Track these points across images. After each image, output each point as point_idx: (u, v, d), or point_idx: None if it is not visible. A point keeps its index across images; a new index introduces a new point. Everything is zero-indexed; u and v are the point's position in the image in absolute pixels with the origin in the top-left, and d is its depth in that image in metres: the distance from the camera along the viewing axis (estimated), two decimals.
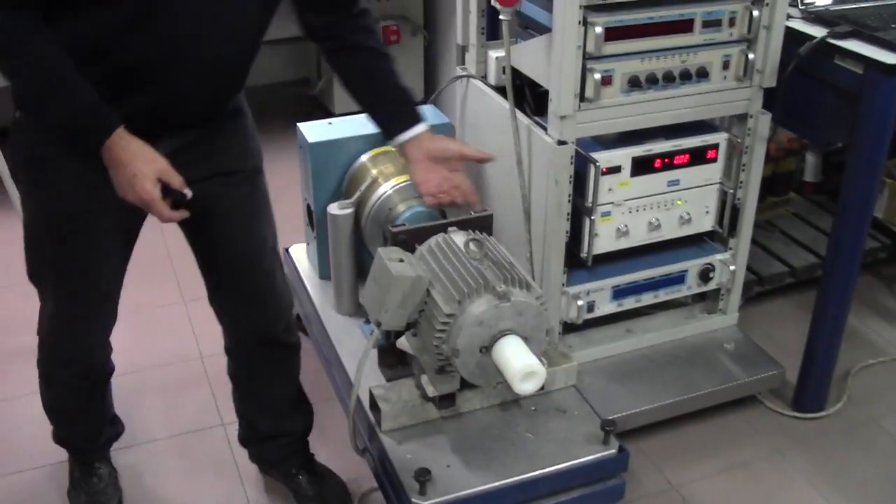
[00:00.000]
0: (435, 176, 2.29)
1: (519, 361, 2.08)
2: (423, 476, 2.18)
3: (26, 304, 3.44)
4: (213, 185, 2.16)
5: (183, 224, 2.18)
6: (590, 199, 2.66)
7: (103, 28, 1.85)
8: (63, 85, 1.85)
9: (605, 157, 2.65)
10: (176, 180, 1.95)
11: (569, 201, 2.64)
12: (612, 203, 2.72)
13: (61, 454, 2.83)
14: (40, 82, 1.87)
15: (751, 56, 2.65)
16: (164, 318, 3.31)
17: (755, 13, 2.60)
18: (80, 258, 2.15)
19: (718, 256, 2.95)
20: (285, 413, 2.64)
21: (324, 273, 3.04)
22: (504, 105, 2.73)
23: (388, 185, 2.68)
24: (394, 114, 2.29)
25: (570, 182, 2.62)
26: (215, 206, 2.21)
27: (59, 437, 2.66)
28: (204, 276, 2.40)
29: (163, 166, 1.93)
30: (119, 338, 2.79)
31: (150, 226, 2.76)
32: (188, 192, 1.97)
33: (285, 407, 2.64)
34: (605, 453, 2.31)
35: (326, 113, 4.68)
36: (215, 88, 2.09)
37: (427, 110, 2.96)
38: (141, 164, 1.89)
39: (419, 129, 2.27)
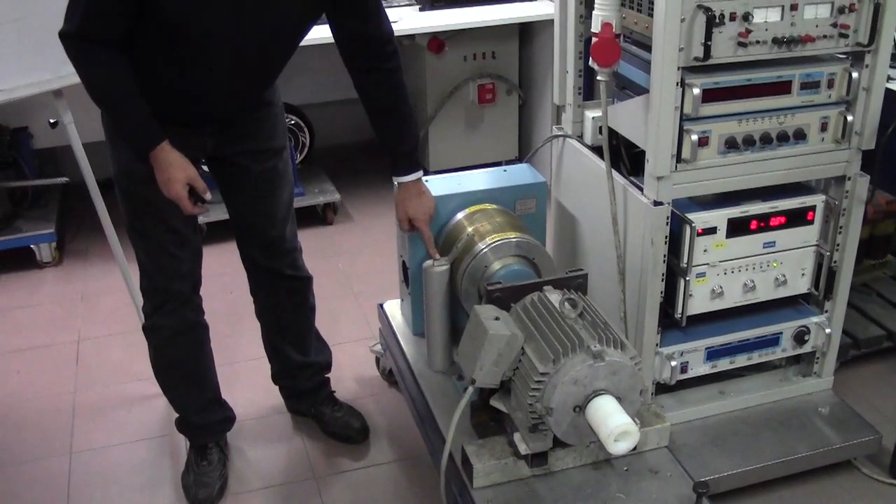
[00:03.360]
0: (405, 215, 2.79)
1: (613, 421, 2.08)
2: None
3: (128, 352, 3.54)
4: (244, 158, 2.69)
5: (221, 188, 2.77)
6: (685, 259, 2.66)
7: (164, 60, 2.37)
8: (127, 105, 2.36)
9: (700, 218, 2.65)
10: (200, 185, 2.44)
11: (664, 261, 2.65)
12: (707, 264, 2.71)
13: (153, 502, 2.89)
14: (111, 100, 2.37)
15: (849, 118, 2.63)
16: (259, 370, 3.36)
17: (854, 75, 2.59)
18: (154, 209, 2.56)
19: (814, 319, 2.92)
20: (309, 345, 3.14)
21: (417, 329, 3.08)
22: (600, 165, 2.75)
23: (483, 243, 2.70)
24: (396, 160, 2.76)
25: (666, 242, 2.62)
26: (245, 175, 2.72)
27: (179, 418, 3.01)
28: (233, 227, 2.89)
29: (192, 174, 2.43)
30: None
31: (244, 284, 2.82)
32: (208, 196, 2.48)
33: (308, 339, 3.13)
34: None
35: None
36: (247, 96, 2.61)
37: (523, 169, 3.01)
38: (175, 171, 2.40)
39: (411, 177, 2.75)
